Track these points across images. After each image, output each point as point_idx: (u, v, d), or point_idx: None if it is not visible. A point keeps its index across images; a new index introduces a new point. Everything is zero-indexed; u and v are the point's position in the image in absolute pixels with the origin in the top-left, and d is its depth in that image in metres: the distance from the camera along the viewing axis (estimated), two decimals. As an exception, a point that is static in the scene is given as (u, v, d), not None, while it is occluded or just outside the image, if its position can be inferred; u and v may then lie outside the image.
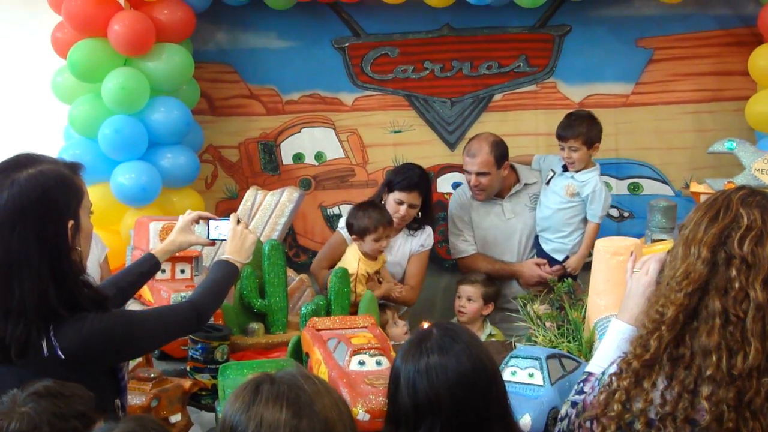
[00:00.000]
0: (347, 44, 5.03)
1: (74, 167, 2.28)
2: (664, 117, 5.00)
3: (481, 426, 1.80)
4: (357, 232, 3.87)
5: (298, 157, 5.12)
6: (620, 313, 1.99)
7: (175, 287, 3.28)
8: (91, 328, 2.15)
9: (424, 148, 5.03)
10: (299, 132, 5.10)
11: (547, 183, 4.30)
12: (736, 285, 1.63)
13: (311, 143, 5.10)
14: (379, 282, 4.00)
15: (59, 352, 2.12)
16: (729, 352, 1.60)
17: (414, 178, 4.13)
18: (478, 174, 4.23)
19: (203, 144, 4.95)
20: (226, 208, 5.06)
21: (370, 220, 3.84)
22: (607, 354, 1.91)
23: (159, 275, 3.22)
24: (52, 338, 2.12)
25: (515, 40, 5.02)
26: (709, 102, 4.96)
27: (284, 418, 1.48)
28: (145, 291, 3.38)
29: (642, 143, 5.03)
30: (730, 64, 4.89)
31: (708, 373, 1.60)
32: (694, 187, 3.80)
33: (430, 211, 4.31)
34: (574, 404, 1.88)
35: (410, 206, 4.10)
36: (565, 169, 4.23)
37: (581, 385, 1.92)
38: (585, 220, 4.20)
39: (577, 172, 4.17)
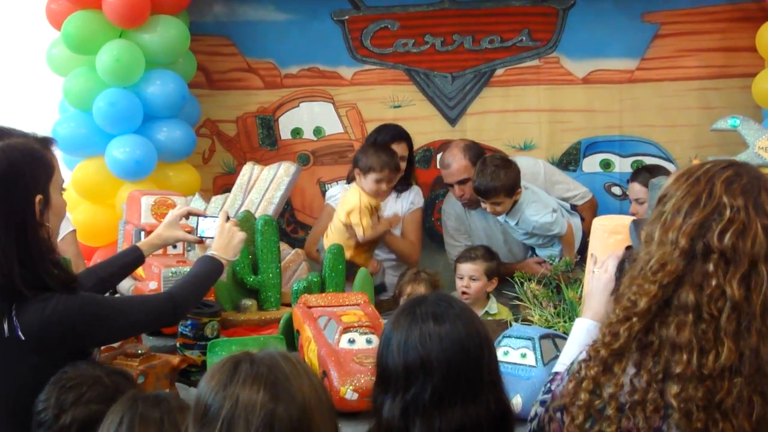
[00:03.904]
0: (347, 17, 4.96)
1: (45, 142, 2.23)
2: (670, 94, 4.92)
3: (472, 393, 1.77)
4: (362, 167, 3.89)
5: (296, 132, 5.07)
6: (584, 311, 1.95)
7: (167, 262, 3.23)
8: (55, 310, 2.09)
9: (424, 123, 4.96)
10: (298, 106, 5.05)
11: None
12: (713, 282, 1.53)
13: (310, 118, 5.05)
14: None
15: (20, 333, 2.07)
16: (700, 350, 1.52)
17: (399, 129, 4.27)
18: (460, 183, 4.14)
19: (200, 118, 4.89)
20: (223, 183, 5.03)
21: (378, 160, 3.85)
22: (573, 353, 1.85)
23: None
24: (14, 318, 2.07)
25: (518, 14, 4.93)
26: (716, 78, 4.87)
27: (260, 401, 1.43)
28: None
29: (646, 120, 4.95)
30: (737, 39, 4.78)
31: (677, 370, 1.53)
32: (697, 165, 3.72)
33: (412, 168, 4.36)
34: (543, 403, 1.82)
35: (402, 158, 4.13)
36: None
37: (548, 385, 1.86)
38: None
39: (507, 215, 4.02)
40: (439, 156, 4.95)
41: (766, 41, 4.47)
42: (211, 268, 2.72)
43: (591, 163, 5.02)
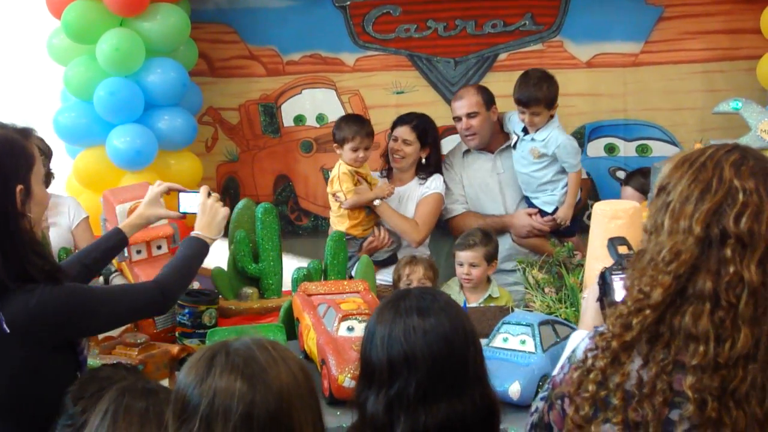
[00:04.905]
0: (348, 2, 4.92)
1: (25, 132, 2.22)
2: (674, 77, 4.87)
3: (458, 387, 1.75)
4: (338, 140, 4.10)
5: (299, 119, 5.05)
6: (580, 326, 1.97)
7: (151, 272, 3.15)
8: (40, 301, 2.08)
9: (427, 109, 4.87)
10: (300, 93, 5.03)
11: (514, 147, 4.25)
12: (731, 269, 1.49)
13: (312, 105, 5.03)
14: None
15: (4, 326, 2.05)
16: (716, 339, 1.49)
17: (404, 116, 4.33)
18: (468, 116, 4.24)
19: (203, 106, 4.88)
20: (226, 171, 5.04)
21: (349, 130, 4.05)
22: None
23: (135, 256, 3.17)
24: None
25: (521, -3, 4.89)
26: (720, 61, 4.82)
27: (237, 394, 1.43)
28: (126, 271, 3.25)
29: (651, 104, 4.91)
30: (742, 21, 4.73)
31: (693, 361, 1.49)
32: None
33: (434, 154, 4.35)
34: (543, 398, 1.79)
35: (404, 142, 4.22)
36: (525, 131, 4.16)
37: (548, 386, 1.83)
38: (564, 170, 4.17)
39: (536, 131, 4.10)
40: (442, 141, 4.93)
41: (771, 23, 4.43)
42: (196, 249, 2.65)
43: (595, 148, 4.99)
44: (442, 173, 4.35)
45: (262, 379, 1.45)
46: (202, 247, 2.68)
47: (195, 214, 2.81)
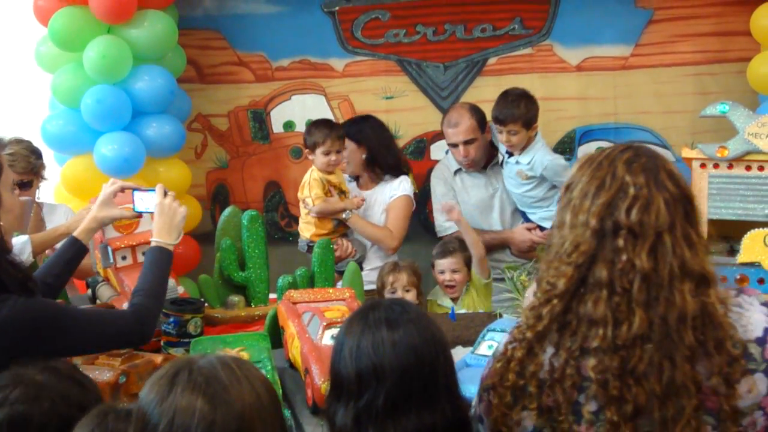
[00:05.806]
0: (337, 8, 4.91)
1: None
2: (665, 80, 4.85)
3: (427, 399, 1.74)
4: (309, 145, 4.01)
5: (288, 125, 5.04)
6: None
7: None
8: (11, 312, 2.05)
9: (417, 114, 4.92)
10: (289, 99, 5.02)
11: (501, 165, 4.19)
12: (624, 257, 1.62)
13: (302, 110, 5.01)
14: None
15: None
16: (614, 322, 1.61)
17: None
18: (466, 143, 4.14)
19: (192, 112, 4.87)
20: (216, 177, 5.02)
21: (320, 134, 3.97)
22: None
23: (120, 262, 3.10)
24: None
25: (510, 2, 4.87)
26: (711, 64, 4.80)
27: (198, 414, 1.39)
28: (111, 278, 3.19)
29: (642, 107, 4.90)
30: (732, 24, 4.72)
31: (594, 344, 1.61)
32: (686, 153, 3.68)
33: (382, 153, 4.22)
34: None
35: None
36: (509, 153, 4.10)
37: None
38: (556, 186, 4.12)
39: (520, 154, 4.03)
40: (432, 146, 4.93)
41: (761, 25, 4.40)
42: (161, 262, 2.58)
43: (586, 152, 4.90)
44: (395, 173, 4.23)
45: (223, 398, 1.41)
46: (166, 257, 2.61)
47: (152, 212, 2.73)
